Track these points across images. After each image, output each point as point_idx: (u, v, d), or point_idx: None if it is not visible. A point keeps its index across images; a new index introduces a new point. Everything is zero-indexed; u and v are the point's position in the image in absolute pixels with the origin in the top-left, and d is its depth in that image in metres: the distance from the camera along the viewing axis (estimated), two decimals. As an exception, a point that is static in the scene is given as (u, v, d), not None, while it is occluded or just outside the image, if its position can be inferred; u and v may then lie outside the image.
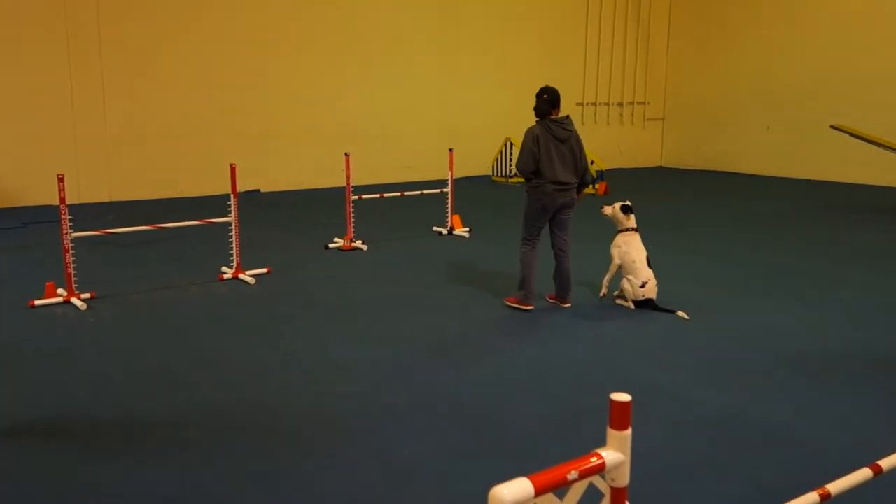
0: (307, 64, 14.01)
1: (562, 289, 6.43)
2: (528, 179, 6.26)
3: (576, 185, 6.23)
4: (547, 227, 6.37)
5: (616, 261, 6.44)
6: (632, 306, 6.32)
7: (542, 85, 6.42)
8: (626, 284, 6.31)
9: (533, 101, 6.30)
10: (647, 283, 6.27)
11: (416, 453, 3.76)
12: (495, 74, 16.45)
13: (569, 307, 6.40)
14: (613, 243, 6.52)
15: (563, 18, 17.43)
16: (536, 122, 6.18)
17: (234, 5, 13.13)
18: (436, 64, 15.41)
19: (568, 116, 6.22)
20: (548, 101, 6.16)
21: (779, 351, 5.31)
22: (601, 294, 6.57)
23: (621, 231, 6.49)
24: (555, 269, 6.42)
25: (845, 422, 4.17)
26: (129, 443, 3.85)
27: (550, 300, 6.52)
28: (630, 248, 6.37)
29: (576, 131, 6.22)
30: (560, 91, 6.40)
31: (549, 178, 6.07)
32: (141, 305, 6.36)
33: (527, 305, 6.30)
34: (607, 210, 6.57)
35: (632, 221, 6.48)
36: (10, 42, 11.29)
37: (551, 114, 6.17)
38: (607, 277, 6.55)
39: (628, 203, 6.53)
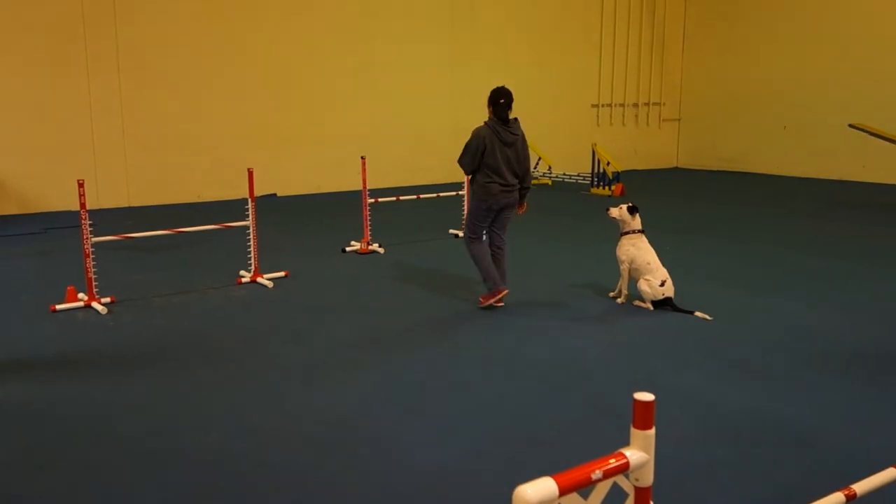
0: (323, 68, 14.07)
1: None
2: (472, 179, 6.37)
3: (517, 185, 6.32)
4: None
5: (626, 264, 6.41)
6: (650, 307, 6.29)
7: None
8: (643, 285, 6.29)
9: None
10: (665, 281, 6.24)
11: (438, 455, 3.77)
12: (510, 76, 16.41)
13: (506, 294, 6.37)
14: (620, 246, 6.47)
15: (577, 20, 17.40)
16: (485, 123, 6.24)
17: (250, 12, 13.21)
18: (450, 66, 15.43)
19: (516, 119, 6.27)
20: (504, 104, 6.19)
21: (800, 351, 5.28)
22: (620, 300, 6.53)
23: (626, 234, 6.45)
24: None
25: (868, 422, 4.13)
26: (149, 448, 3.88)
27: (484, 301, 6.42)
28: (640, 250, 6.35)
29: (522, 135, 6.29)
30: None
31: (495, 178, 6.19)
32: (160, 309, 6.41)
33: (500, 293, 6.31)
34: (614, 212, 6.53)
35: (637, 223, 6.45)
36: (29, 49, 11.42)
37: (504, 115, 6.21)
38: (624, 283, 6.51)
39: (633, 204, 6.50)
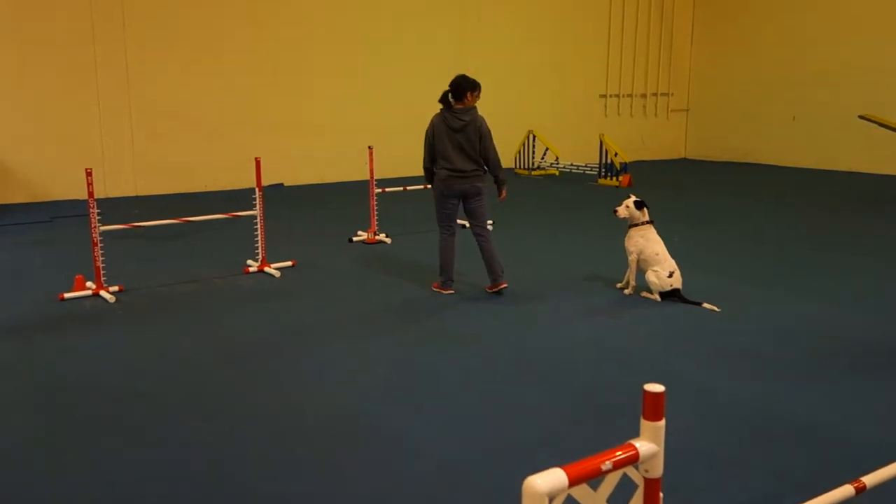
0: (330, 57, 14.05)
1: (490, 271, 6.46)
2: (426, 171, 6.50)
3: (476, 172, 6.33)
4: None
5: (634, 255, 6.38)
6: (658, 298, 6.27)
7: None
8: (651, 276, 6.26)
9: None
10: (673, 272, 6.22)
11: (447, 446, 3.77)
12: (518, 67, 16.38)
13: (505, 286, 6.43)
14: (629, 238, 6.45)
15: (586, 10, 17.31)
16: (439, 111, 6.35)
17: (257, 2, 13.18)
18: (457, 56, 15.37)
19: (471, 108, 6.28)
20: (448, 91, 6.31)
21: (808, 343, 5.26)
22: (627, 291, 6.51)
23: (635, 225, 6.42)
24: (481, 254, 6.48)
25: (875, 415, 4.11)
26: (157, 436, 3.89)
27: (489, 291, 6.49)
28: (649, 241, 6.32)
29: (476, 121, 6.28)
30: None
31: (444, 164, 6.27)
32: (168, 298, 6.43)
33: (445, 290, 6.49)
34: (622, 212, 6.46)
35: (646, 215, 6.43)
36: (37, 38, 11.42)
37: (458, 104, 6.27)
38: (632, 274, 6.49)
39: (639, 199, 6.46)
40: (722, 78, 18.57)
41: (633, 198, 6.48)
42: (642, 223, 6.40)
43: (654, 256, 6.27)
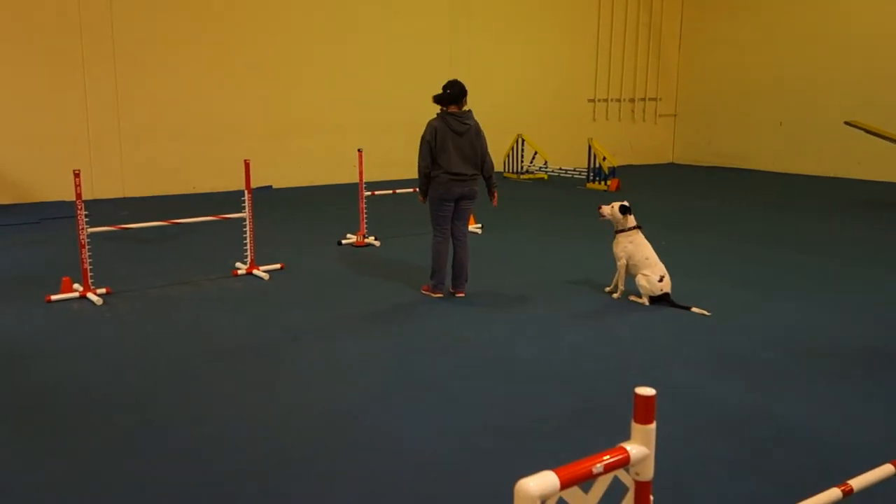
0: (320, 60, 14.03)
1: (455, 276, 6.56)
2: (425, 176, 6.42)
3: (475, 176, 6.39)
4: None
5: (623, 260, 6.41)
6: (647, 303, 6.30)
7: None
8: (642, 280, 6.29)
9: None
10: (663, 276, 6.25)
11: (438, 448, 3.77)
12: (507, 70, 16.42)
13: (462, 297, 6.51)
14: (616, 243, 6.48)
15: (574, 14, 17.38)
16: (437, 115, 6.37)
17: (247, 4, 13.15)
18: (447, 60, 15.40)
19: (469, 111, 6.37)
20: (451, 95, 6.34)
21: (796, 348, 5.29)
22: (616, 296, 6.53)
23: (623, 231, 6.44)
24: (452, 257, 6.54)
25: (864, 419, 4.15)
26: (145, 439, 3.87)
27: (452, 291, 6.59)
28: (638, 246, 6.35)
29: (476, 125, 6.38)
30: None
31: (445, 168, 6.28)
32: (156, 301, 6.40)
33: (436, 293, 6.56)
34: (605, 210, 6.52)
35: (631, 220, 6.45)
36: (25, 38, 11.35)
37: (453, 107, 6.34)
38: (620, 279, 6.51)
39: (626, 203, 6.49)
40: (709, 83, 18.68)
41: (623, 203, 6.51)
42: (630, 228, 6.43)
43: (644, 261, 6.30)
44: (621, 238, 6.44)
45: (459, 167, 6.29)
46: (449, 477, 3.50)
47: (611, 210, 6.49)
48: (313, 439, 3.87)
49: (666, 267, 6.35)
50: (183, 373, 4.76)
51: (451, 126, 6.27)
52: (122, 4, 12.00)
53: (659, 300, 6.27)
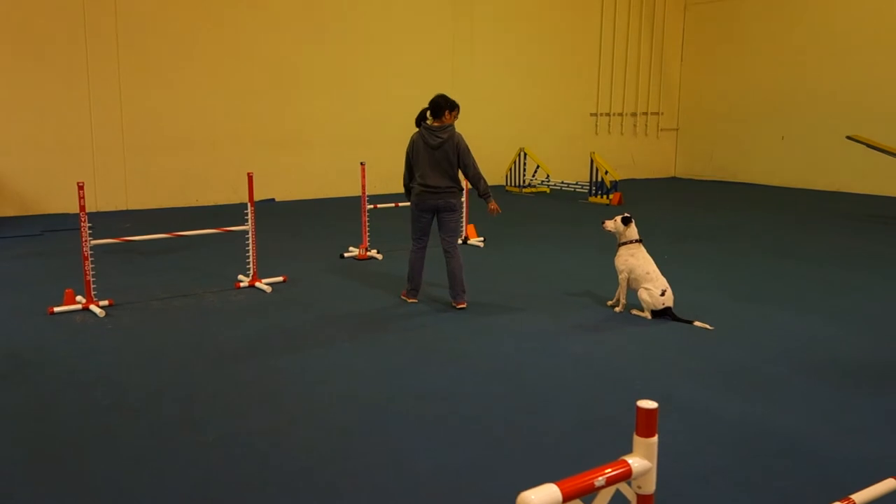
0: (323, 74, 14.11)
1: (451, 288, 6.65)
2: (406, 188, 6.72)
3: (451, 189, 6.48)
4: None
5: (625, 274, 6.42)
6: (649, 317, 6.30)
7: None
8: (644, 294, 6.29)
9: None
10: (665, 290, 6.25)
11: (439, 461, 3.76)
12: (509, 84, 16.49)
13: (464, 308, 6.58)
14: (618, 256, 6.49)
15: (577, 29, 17.47)
16: (418, 130, 6.56)
17: (250, 16, 13.24)
18: (449, 74, 15.47)
19: (447, 126, 6.44)
20: (426, 110, 6.49)
21: (798, 360, 5.29)
22: (618, 309, 6.54)
23: (624, 244, 6.46)
24: (446, 270, 6.68)
25: (867, 432, 4.14)
26: (147, 450, 3.87)
27: (452, 304, 6.67)
28: (639, 260, 6.36)
29: (454, 139, 6.42)
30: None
31: (419, 180, 6.47)
32: (159, 313, 6.41)
33: (410, 299, 6.82)
34: (609, 225, 6.56)
35: (634, 233, 6.46)
36: (30, 51, 11.43)
37: (434, 121, 6.47)
38: (622, 292, 6.52)
39: (627, 214, 6.52)
40: (711, 97, 18.75)
41: (625, 215, 6.53)
42: (631, 242, 6.44)
43: (646, 275, 6.30)
44: (623, 251, 6.46)
45: (432, 179, 6.43)
46: (450, 489, 3.49)
47: (614, 223, 6.52)
48: (314, 451, 3.86)
49: (668, 280, 6.35)
50: (184, 384, 4.76)
51: (426, 139, 6.43)
52: (127, 18, 12.09)
53: (661, 314, 6.27)
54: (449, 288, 6.67)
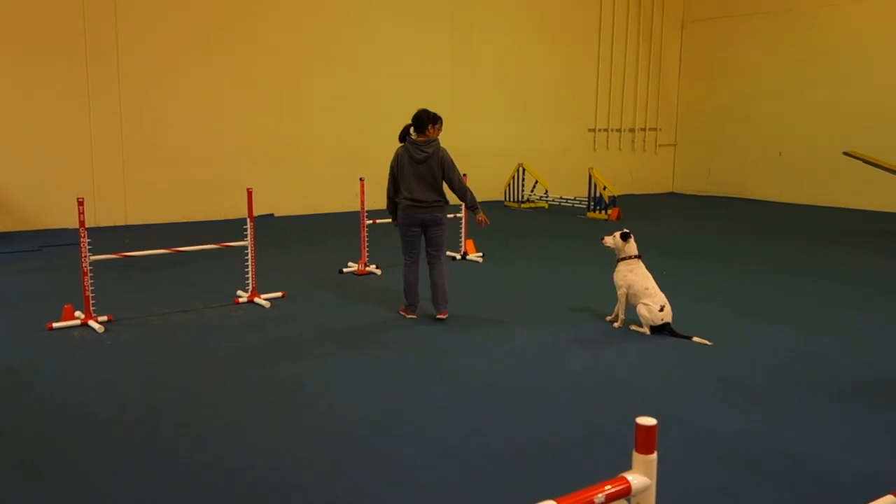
0: (321, 89, 14.17)
1: (433, 298, 6.77)
2: (389, 201, 6.77)
3: (437, 203, 6.56)
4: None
5: (624, 289, 6.43)
6: (648, 332, 6.30)
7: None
8: (642, 310, 6.30)
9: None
10: (664, 306, 6.26)
11: (437, 477, 3.76)
12: (508, 100, 16.57)
13: (445, 318, 6.68)
14: (617, 272, 6.51)
15: (575, 45, 17.57)
16: (403, 144, 6.65)
17: (249, 31, 13.32)
18: (448, 89, 15.54)
19: (432, 140, 6.54)
20: (410, 125, 6.60)
21: (798, 375, 5.29)
22: (617, 325, 6.54)
23: (623, 259, 6.48)
24: (429, 281, 6.78)
25: (866, 447, 4.14)
26: (146, 465, 3.86)
27: (435, 314, 6.77)
28: (638, 276, 6.37)
29: (439, 153, 6.52)
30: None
31: (405, 195, 6.54)
32: (158, 329, 6.40)
33: (408, 315, 6.83)
34: (608, 241, 6.59)
35: (633, 248, 6.48)
36: (29, 65, 11.48)
37: (419, 136, 6.56)
38: (621, 308, 6.52)
39: (626, 230, 6.54)
40: (709, 113, 18.84)
41: (624, 230, 6.55)
42: (630, 257, 6.46)
43: (644, 291, 6.31)
44: (622, 267, 6.47)
45: (418, 194, 6.51)
46: (450, 507, 3.48)
47: (613, 239, 6.54)
48: (313, 466, 3.85)
49: (667, 295, 6.36)
50: (184, 400, 4.75)
51: (411, 153, 6.51)
52: (127, 31, 12.15)
53: (660, 329, 6.27)
54: (431, 298, 6.77)
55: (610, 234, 6.64)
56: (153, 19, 12.38)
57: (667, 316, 6.26)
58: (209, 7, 12.89)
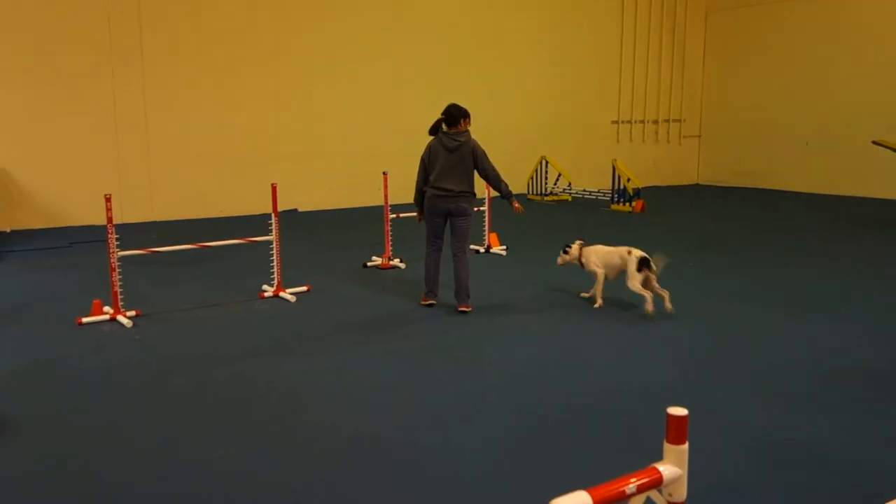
0: (344, 84, 14.20)
1: (456, 291, 6.78)
2: (418, 193, 6.81)
3: (464, 193, 6.63)
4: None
5: (601, 270, 6.87)
6: (650, 303, 6.50)
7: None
8: (628, 285, 6.62)
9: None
10: (631, 251, 6.64)
11: (459, 470, 3.76)
12: (531, 93, 16.50)
13: (468, 311, 6.69)
14: (587, 263, 6.98)
15: (598, 37, 17.45)
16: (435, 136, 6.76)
17: (272, 29, 13.37)
18: (471, 83, 15.49)
19: (464, 131, 6.63)
20: (440, 120, 6.68)
21: (821, 369, 5.22)
22: (596, 305, 6.85)
23: (581, 253, 7.02)
24: (453, 274, 6.82)
25: (891, 441, 4.08)
26: (170, 460, 3.90)
27: (457, 307, 6.80)
28: (599, 252, 6.91)
29: (471, 143, 6.62)
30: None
31: (432, 183, 6.62)
32: (185, 323, 6.47)
33: (426, 301, 6.92)
34: (564, 258, 7.19)
35: (576, 247, 7.05)
36: (56, 65, 11.62)
37: (447, 129, 6.65)
38: (599, 288, 6.89)
39: (567, 245, 7.14)
40: (734, 104, 18.62)
41: (579, 241, 7.13)
42: (582, 246, 7.00)
43: (607, 255, 6.78)
44: (588, 256, 6.95)
45: (445, 183, 6.58)
46: (474, 499, 3.48)
47: (568, 255, 7.11)
48: (339, 462, 3.87)
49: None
50: (209, 395, 4.80)
51: (444, 143, 6.59)
52: (152, 30, 12.25)
53: (644, 265, 6.53)
54: (455, 291, 6.79)
55: (559, 255, 7.20)
56: (177, 18, 12.47)
57: (635, 257, 6.57)
58: (233, 6, 12.96)
